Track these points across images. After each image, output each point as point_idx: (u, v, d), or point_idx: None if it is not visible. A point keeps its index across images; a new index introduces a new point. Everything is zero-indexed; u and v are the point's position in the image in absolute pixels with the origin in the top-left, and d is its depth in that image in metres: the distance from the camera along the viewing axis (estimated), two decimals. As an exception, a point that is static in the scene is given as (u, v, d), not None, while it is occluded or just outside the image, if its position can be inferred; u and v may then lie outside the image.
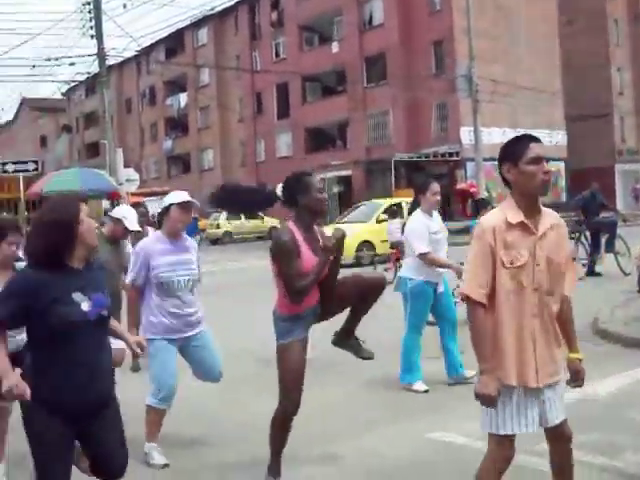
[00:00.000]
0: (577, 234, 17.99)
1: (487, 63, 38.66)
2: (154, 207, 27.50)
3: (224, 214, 46.47)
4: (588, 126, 51.35)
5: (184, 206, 6.23)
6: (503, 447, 4.08)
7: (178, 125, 70.41)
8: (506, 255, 3.92)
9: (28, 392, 3.86)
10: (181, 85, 68.66)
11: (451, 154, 41.78)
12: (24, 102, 75.67)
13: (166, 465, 6.06)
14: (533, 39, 46.01)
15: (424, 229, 8.02)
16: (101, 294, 4.15)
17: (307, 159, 52.06)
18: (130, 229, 7.32)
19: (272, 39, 57.08)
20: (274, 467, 5.55)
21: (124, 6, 49.83)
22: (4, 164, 25.06)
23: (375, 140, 48.67)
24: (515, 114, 43.60)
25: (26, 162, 25.78)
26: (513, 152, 4.03)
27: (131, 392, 6.45)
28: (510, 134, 43.00)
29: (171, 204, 6.22)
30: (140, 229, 7.94)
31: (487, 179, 33.65)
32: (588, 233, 18.08)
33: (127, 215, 7.34)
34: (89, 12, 31.15)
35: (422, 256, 7.95)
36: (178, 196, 6.31)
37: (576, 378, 4.24)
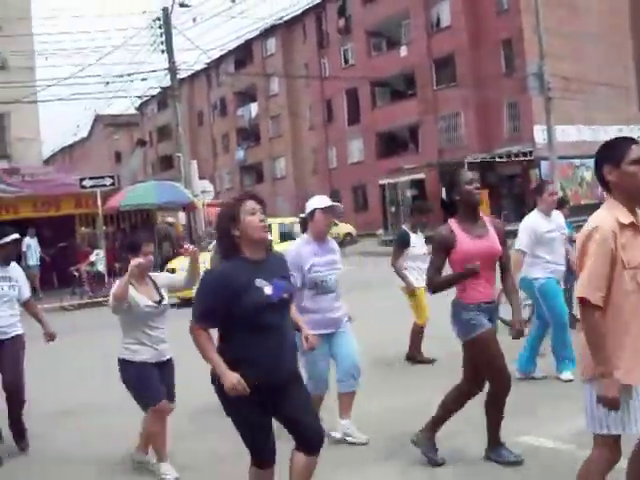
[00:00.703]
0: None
1: (558, 60, 38.01)
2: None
3: (298, 221, 46.67)
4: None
5: (327, 210, 6.63)
6: (610, 449, 4.03)
7: (250, 135, 70.97)
8: (625, 256, 3.92)
9: (247, 389, 4.32)
10: (251, 95, 69.20)
11: (524, 153, 41.23)
12: (98, 119, 77.07)
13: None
14: (604, 34, 45.11)
15: (531, 229, 8.30)
16: (281, 279, 4.62)
17: (379, 164, 52.12)
18: None
19: (340, 45, 57.23)
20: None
21: (193, 20, 50.77)
22: (82, 180, 25.51)
23: (447, 142, 48.40)
24: (589, 111, 42.78)
25: (103, 177, 26.16)
26: (614, 154, 4.04)
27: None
28: (585, 131, 42.96)
29: (315, 209, 6.63)
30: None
31: (562, 178, 33.17)
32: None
33: None
34: (159, 27, 31.66)
35: (517, 252, 8.18)
36: (321, 201, 6.69)
37: None
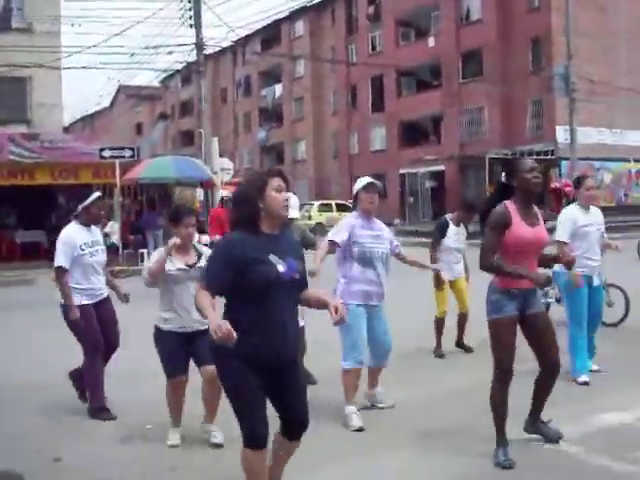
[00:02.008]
0: None
1: (585, 62, 37.84)
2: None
3: (316, 205, 46.72)
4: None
5: (368, 188, 7.16)
6: None
7: (272, 116, 70.89)
8: None
9: (234, 333, 4.17)
10: (276, 76, 69.09)
11: (546, 152, 41.03)
12: (121, 89, 76.95)
13: (361, 429, 6.75)
14: (635, 38, 44.79)
15: (570, 220, 8.30)
16: (294, 259, 4.63)
17: (401, 153, 52.02)
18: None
19: (368, 32, 56.98)
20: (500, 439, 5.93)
21: (223, -4, 50.28)
22: (102, 150, 25.54)
23: (469, 136, 48.24)
24: (612, 114, 42.59)
25: (123, 148, 26.22)
26: None
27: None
28: (606, 134, 42.71)
29: (358, 190, 7.19)
30: (297, 216, 8.48)
31: (580, 178, 32.99)
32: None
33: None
34: (189, 1, 31.58)
35: (558, 243, 8.16)
36: (362, 181, 7.23)
37: None
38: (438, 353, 9.97)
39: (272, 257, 4.49)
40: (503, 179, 6.14)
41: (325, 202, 48.43)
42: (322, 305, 4.77)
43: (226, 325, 4.17)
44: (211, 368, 5.59)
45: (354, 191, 7.29)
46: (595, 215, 8.53)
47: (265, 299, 4.46)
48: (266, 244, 4.52)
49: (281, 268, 4.48)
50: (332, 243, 7.13)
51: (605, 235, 8.73)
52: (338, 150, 61.80)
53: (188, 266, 6.48)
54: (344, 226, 7.15)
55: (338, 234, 7.10)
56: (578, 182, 8.59)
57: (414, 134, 53.29)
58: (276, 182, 4.59)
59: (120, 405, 7.52)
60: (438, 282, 9.84)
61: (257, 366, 4.48)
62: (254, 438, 4.52)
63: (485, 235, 5.92)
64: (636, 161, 45.11)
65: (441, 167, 47.87)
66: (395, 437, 6.57)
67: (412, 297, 13.11)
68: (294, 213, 7.78)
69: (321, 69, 63.19)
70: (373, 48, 56.83)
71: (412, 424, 6.87)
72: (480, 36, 46.25)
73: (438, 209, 46.08)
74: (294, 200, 7.66)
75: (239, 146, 74.64)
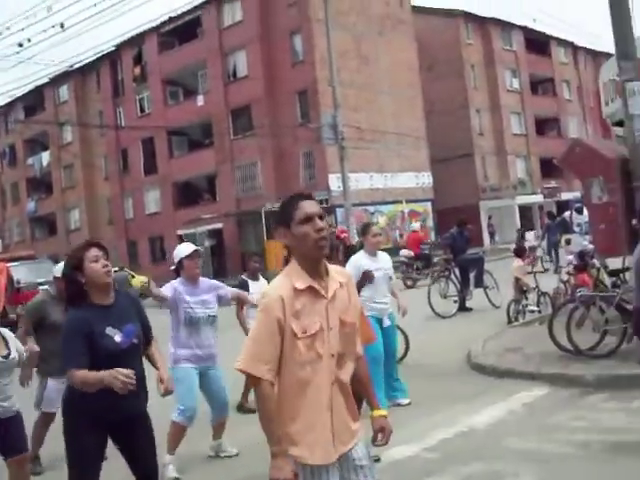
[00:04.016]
0: (447, 272, 18.48)
1: (352, 111, 38.96)
2: (19, 273, 25.86)
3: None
4: (452, 167, 52.82)
5: (193, 255, 7.49)
6: None
7: (41, 185, 68.01)
8: (298, 324, 3.54)
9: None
10: (43, 143, 66.44)
11: (320, 201, 41.41)
12: None
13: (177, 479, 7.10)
14: (396, 86, 46.73)
15: (355, 267, 8.51)
16: (131, 324, 4.85)
17: (177, 214, 51.43)
18: None
19: (136, 94, 56.12)
20: None
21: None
22: None
23: (244, 191, 48.21)
24: (381, 159, 44.05)
25: None
26: (284, 215, 3.68)
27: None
28: (377, 179, 44.01)
29: (182, 258, 7.48)
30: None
31: (357, 224, 33.51)
32: (457, 270, 18.22)
33: None
34: None
35: None
36: (185, 249, 7.57)
37: (382, 436, 3.84)
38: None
39: (109, 330, 4.70)
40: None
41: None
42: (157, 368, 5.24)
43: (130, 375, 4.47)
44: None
45: (175, 258, 7.56)
46: (382, 260, 9.01)
47: (107, 367, 4.53)
48: (102, 316, 4.73)
49: (118, 338, 4.71)
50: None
51: (393, 277, 9.33)
52: (113, 216, 60.11)
53: (2, 356, 5.98)
54: (168, 288, 7.44)
55: (165, 291, 7.44)
56: (364, 230, 9.05)
57: (190, 194, 52.70)
58: (92, 253, 4.83)
59: None
60: None
61: (102, 425, 4.75)
62: None
63: None
64: (408, 202, 46.77)
65: (219, 225, 47.65)
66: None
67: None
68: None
69: (90, 134, 61.39)
70: (142, 110, 55.95)
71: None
72: (248, 92, 46.59)
73: (219, 267, 45.75)
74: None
75: (7, 219, 71.20)
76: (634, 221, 10.46)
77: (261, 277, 10.40)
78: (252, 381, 3.54)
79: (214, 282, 7.90)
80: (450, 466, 6.68)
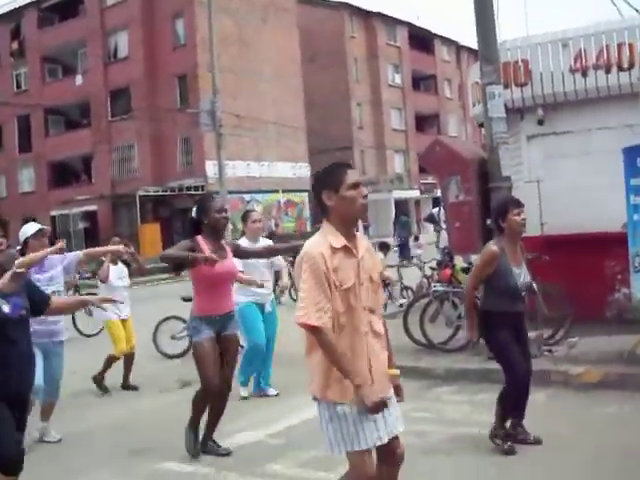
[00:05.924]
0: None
1: (231, 97, 38.74)
2: None
3: None
4: (331, 159, 52.29)
5: (38, 235, 7.60)
6: (357, 465, 4.06)
7: None
8: (337, 278, 3.99)
9: None
10: None
11: (197, 187, 41.40)
12: None
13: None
14: (277, 75, 46.78)
15: None
16: (17, 297, 4.88)
17: (51, 194, 50.29)
18: None
19: (13, 69, 54.57)
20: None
21: None
22: None
23: (120, 174, 47.50)
24: (259, 148, 44.05)
25: None
26: (332, 180, 4.10)
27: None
28: (254, 167, 44.11)
29: (27, 238, 7.58)
30: None
31: (233, 212, 33.46)
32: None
33: None
34: None
35: None
36: (30, 228, 7.69)
37: (397, 393, 4.28)
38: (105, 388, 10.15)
39: None
40: (194, 215, 6.88)
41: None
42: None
43: None
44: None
45: (21, 239, 7.62)
46: (264, 245, 8.86)
47: (1, 336, 4.70)
48: None
49: (6, 309, 4.76)
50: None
51: (278, 263, 9.65)
52: (-15, 195, 58.25)
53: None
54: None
55: None
56: (244, 217, 9.22)
57: (65, 174, 51.69)
58: None
59: None
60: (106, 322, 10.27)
61: (5, 399, 4.75)
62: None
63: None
64: (285, 192, 46.92)
65: (94, 207, 46.88)
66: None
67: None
68: None
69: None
70: (18, 86, 54.45)
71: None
72: (128, 74, 45.91)
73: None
74: None
75: None
76: (489, 220, 10.73)
77: (120, 263, 10.53)
78: (313, 331, 3.92)
79: (57, 256, 7.85)
80: (290, 452, 6.92)
